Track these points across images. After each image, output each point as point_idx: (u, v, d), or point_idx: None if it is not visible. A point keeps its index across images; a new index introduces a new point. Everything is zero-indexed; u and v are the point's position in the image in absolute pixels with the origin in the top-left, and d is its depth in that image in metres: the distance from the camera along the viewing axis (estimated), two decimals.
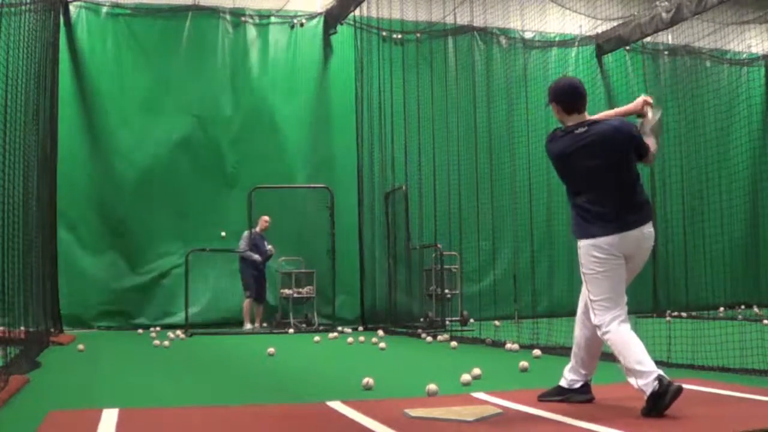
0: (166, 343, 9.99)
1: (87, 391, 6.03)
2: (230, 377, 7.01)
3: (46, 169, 10.70)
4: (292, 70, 14.18)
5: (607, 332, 4.37)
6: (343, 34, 14.36)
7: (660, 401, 4.07)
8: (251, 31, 14.13)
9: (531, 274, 12.89)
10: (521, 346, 8.56)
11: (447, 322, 11.98)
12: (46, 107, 10.30)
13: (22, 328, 7.88)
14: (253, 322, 12.74)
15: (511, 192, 13.50)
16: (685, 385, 4.22)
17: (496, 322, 12.10)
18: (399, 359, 8.38)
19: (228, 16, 13.99)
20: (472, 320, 12.62)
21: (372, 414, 4.42)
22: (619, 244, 4.40)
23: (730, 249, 15.52)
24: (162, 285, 13.28)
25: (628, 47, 15.75)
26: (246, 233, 12.71)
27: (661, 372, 4.15)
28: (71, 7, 13.30)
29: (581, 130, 4.53)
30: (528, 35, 15.22)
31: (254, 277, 12.74)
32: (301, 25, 14.33)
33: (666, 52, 15.72)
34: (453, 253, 13.10)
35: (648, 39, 15.36)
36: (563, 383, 4.74)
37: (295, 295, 13.19)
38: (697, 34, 14.34)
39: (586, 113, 4.64)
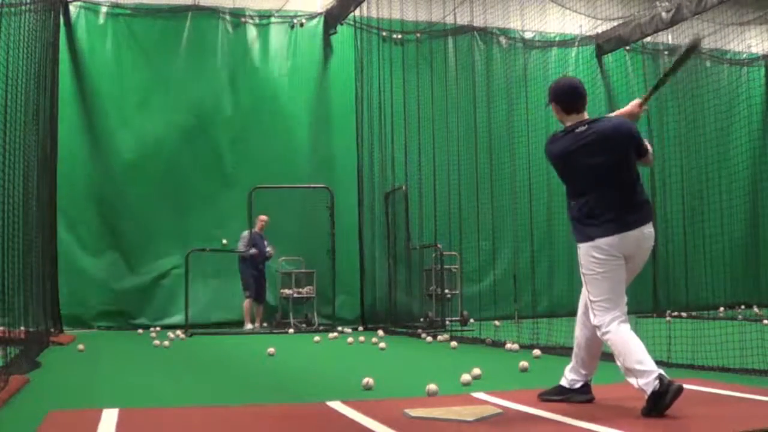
0: (166, 343, 9.99)
1: (87, 391, 6.03)
2: (230, 377, 7.01)
3: (46, 169, 10.70)
4: (292, 70, 14.19)
5: (607, 332, 4.37)
6: (343, 34, 14.37)
7: (661, 401, 4.07)
8: (251, 31, 14.13)
9: (531, 274, 12.89)
10: (521, 346, 8.56)
11: (447, 322, 11.98)
12: (46, 107, 10.30)
13: (22, 328, 7.89)
14: (253, 322, 12.75)
15: (511, 192, 13.50)
16: (685, 385, 4.22)
17: (496, 322, 12.10)
18: (399, 359, 8.38)
19: (228, 16, 14.00)
20: (472, 320, 12.62)
21: (372, 414, 4.42)
22: (618, 245, 4.40)
23: (730, 249, 15.52)
24: (162, 285, 13.28)
25: (628, 47, 15.76)
26: (245, 233, 12.71)
27: (661, 371, 4.15)
28: (71, 7, 13.30)
29: (582, 128, 4.53)
30: (528, 35, 15.23)
31: (254, 277, 12.75)
32: (301, 25, 14.33)
33: (666, 52, 15.71)
34: (453, 253, 13.10)
35: (648, 39, 15.36)
36: (564, 383, 4.74)
37: (295, 295, 13.19)
38: (697, 34, 14.32)
39: (585, 113, 4.65)
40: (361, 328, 12.85)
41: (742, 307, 15.08)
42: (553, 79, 5.78)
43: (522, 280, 13.20)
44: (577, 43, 15.70)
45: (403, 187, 13.01)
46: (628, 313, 4.47)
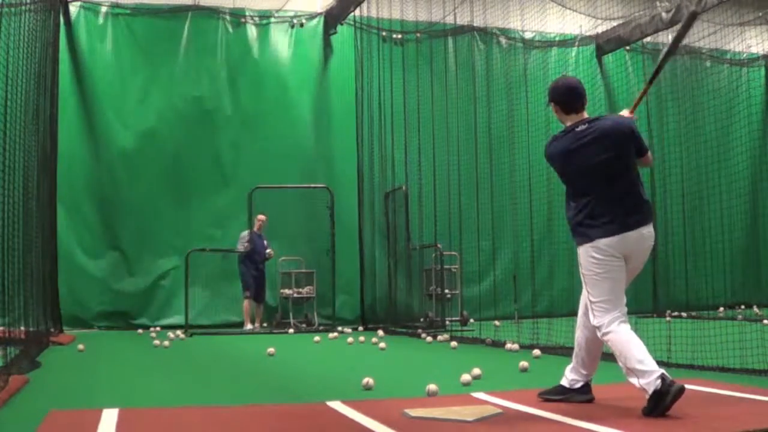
0: (166, 343, 9.99)
1: (87, 391, 6.03)
2: (230, 377, 7.00)
3: (46, 168, 10.70)
4: (292, 70, 14.19)
5: (607, 333, 4.37)
6: (343, 34, 14.37)
7: (662, 401, 4.07)
8: (251, 32, 14.13)
9: (531, 274, 12.88)
10: (521, 346, 8.55)
11: (447, 322, 11.98)
12: (46, 107, 10.30)
13: (22, 328, 7.88)
14: (253, 322, 12.74)
15: (511, 192, 13.50)
16: (685, 385, 4.22)
17: (496, 322, 12.10)
18: (399, 359, 8.37)
19: (228, 16, 14.00)
20: (472, 320, 12.62)
21: (372, 414, 4.42)
22: (618, 245, 4.40)
23: (730, 249, 15.53)
24: (162, 285, 13.29)
25: (628, 47, 15.76)
26: (245, 233, 12.72)
27: (663, 371, 4.15)
28: (71, 7, 13.30)
29: (582, 127, 4.54)
30: (528, 35, 15.23)
31: (254, 277, 12.75)
32: (301, 25, 14.33)
33: None
34: (453, 253, 13.10)
35: (648, 39, 15.35)
36: (564, 382, 4.75)
37: (295, 295, 13.19)
38: (697, 34, 14.32)
39: (585, 113, 4.65)
40: (361, 328, 12.85)
41: (742, 307, 15.08)
42: (552, 79, 5.79)
43: (522, 280, 13.20)
44: (577, 43, 15.70)
45: (403, 187, 13.01)
46: (628, 313, 4.48)
